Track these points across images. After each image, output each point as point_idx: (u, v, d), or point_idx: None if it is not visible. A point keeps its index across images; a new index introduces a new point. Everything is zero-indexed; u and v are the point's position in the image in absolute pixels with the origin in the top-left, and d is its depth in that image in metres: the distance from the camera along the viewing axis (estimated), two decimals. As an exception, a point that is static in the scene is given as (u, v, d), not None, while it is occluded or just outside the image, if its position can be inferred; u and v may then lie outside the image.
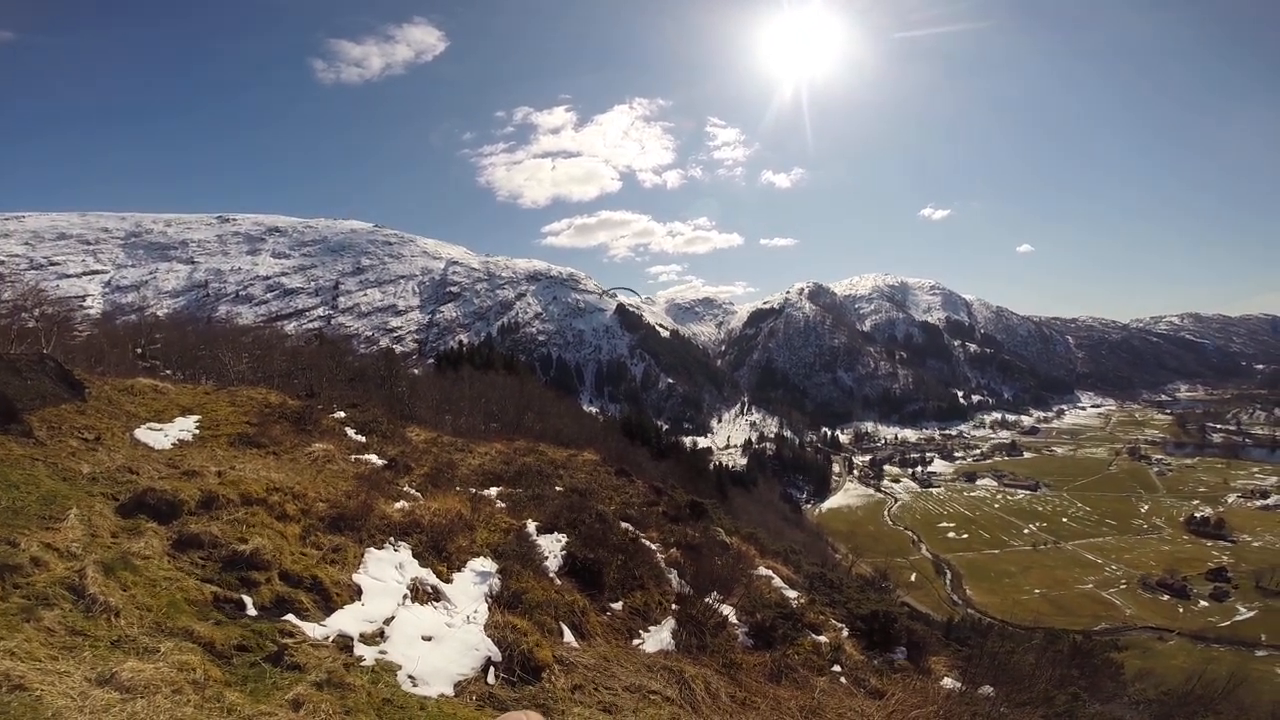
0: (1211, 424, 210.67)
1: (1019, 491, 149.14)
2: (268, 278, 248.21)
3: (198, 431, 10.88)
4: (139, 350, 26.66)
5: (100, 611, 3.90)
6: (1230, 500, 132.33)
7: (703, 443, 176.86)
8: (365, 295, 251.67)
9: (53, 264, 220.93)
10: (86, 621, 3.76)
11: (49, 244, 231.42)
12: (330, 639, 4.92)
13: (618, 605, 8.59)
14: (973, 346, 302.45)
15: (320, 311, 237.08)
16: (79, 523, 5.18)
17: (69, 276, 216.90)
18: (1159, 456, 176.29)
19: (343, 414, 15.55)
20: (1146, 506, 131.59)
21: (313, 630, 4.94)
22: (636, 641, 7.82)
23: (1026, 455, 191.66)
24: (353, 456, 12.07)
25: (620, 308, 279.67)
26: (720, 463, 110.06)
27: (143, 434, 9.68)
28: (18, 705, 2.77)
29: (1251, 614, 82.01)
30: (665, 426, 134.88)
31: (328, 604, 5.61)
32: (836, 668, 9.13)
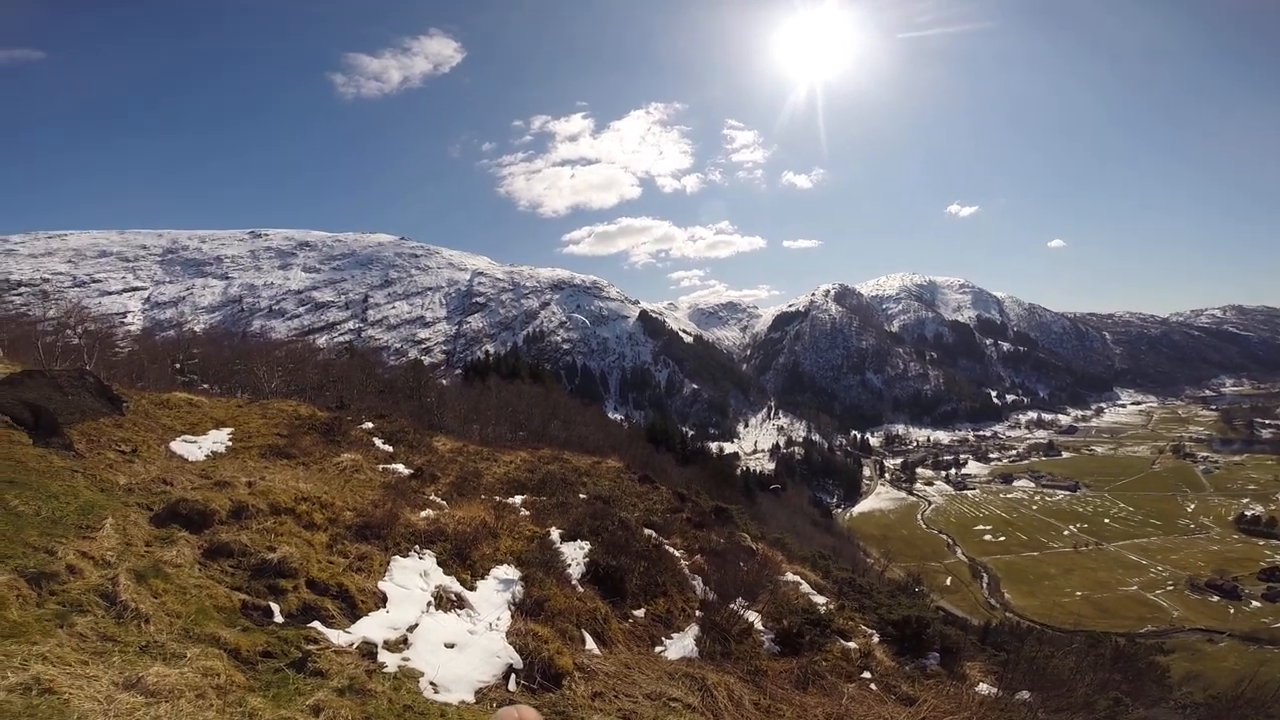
0: (1260, 419, 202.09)
1: (1058, 492, 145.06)
2: (299, 292, 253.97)
3: (230, 443, 11.18)
4: (177, 365, 27.47)
5: (131, 618, 4.02)
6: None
7: (729, 448, 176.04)
8: (394, 308, 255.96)
9: (95, 281, 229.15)
10: (117, 627, 3.88)
11: (90, 261, 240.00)
12: (354, 646, 4.99)
13: (640, 612, 8.57)
14: (1005, 345, 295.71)
15: (351, 324, 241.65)
16: (114, 532, 5.35)
17: (110, 293, 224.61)
18: (1205, 454, 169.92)
19: (371, 425, 15.82)
20: (1193, 505, 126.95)
21: (337, 637, 5.02)
22: (659, 649, 7.79)
23: (1065, 455, 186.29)
24: (380, 466, 12.28)
25: (643, 314, 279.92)
26: (747, 468, 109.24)
27: (177, 446, 9.98)
28: (46, 708, 2.86)
29: (1307, 615, 78.57)
30: (690, 432, 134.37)
31: (353, 611, 5.70)
32: (866, 674, 8.96)
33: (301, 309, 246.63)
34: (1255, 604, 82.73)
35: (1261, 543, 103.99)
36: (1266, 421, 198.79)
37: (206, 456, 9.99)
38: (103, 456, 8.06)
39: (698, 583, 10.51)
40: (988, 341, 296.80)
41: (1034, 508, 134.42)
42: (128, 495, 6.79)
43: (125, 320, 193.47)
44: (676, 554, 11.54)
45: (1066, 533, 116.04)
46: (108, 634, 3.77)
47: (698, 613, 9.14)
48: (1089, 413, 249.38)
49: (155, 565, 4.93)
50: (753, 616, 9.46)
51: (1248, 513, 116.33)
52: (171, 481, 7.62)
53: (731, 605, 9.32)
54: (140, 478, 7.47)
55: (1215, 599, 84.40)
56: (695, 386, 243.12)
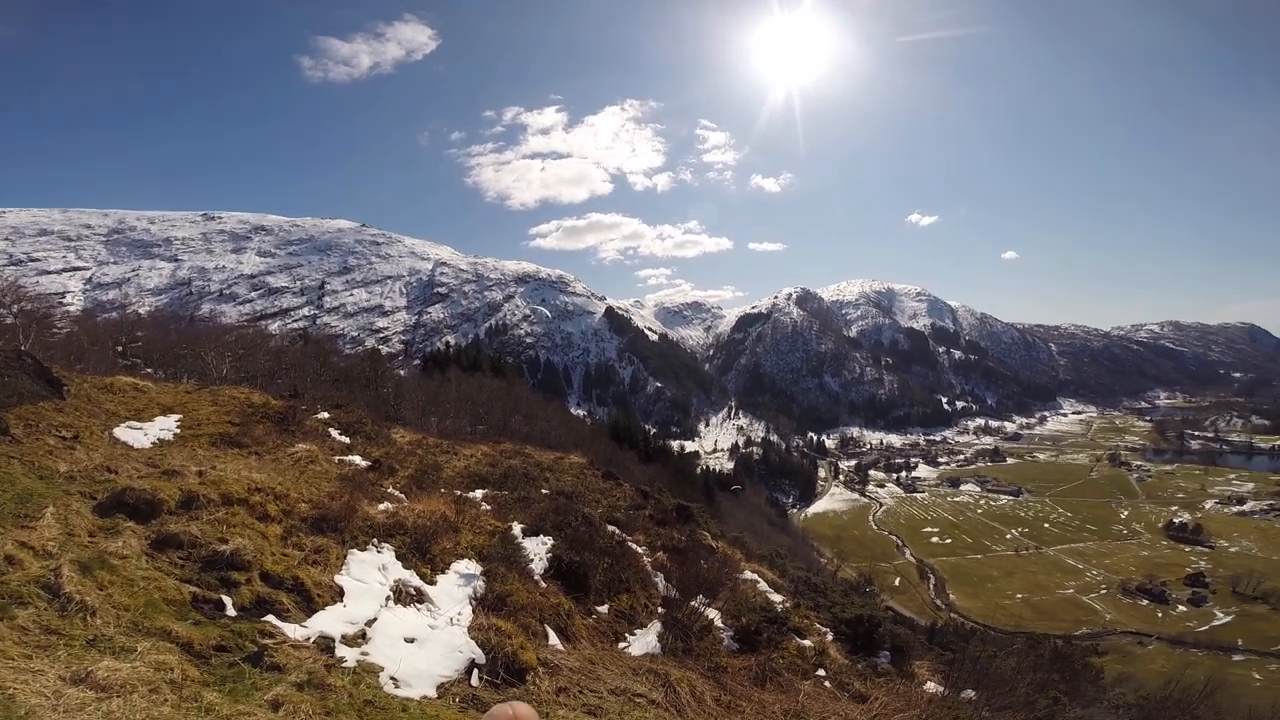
0: (1190, 431, 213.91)
1: (1002, 497, 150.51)
2: (252, 276, 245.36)
3: (178, 431, 10.75)
4: (120, 348, 26.27)
5: (76, 610, 3.83)
6: (1208, 506, 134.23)
7: (690, 447, 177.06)
8: (352, 295, 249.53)
9: (33, 260, 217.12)
10: (61, 620, 3.70)
11: (29, 240, 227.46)
12: (311, 640, 4.87)
13: (603, 608, 8.58)
14: (957, 353, 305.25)
15: (306, 311, 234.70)
16: (55, 521, 5.10)
17: (49, 273, 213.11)
18: (1139, 463, 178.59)
19: (327, 415, 15.41)
20: (1126, 512, 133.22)
21: (294, 631, 4.89)
22: (622, 644, 7.81)
23: (1009, 461, 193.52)
24: (336, 458, 11.98)
25: (609, 311, 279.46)
26: (708, 467, 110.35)
27: (122, 433, 9.56)
28: None
29: (1229, 619, 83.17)
30: (653, 430, 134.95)
31: (309, 605, 5.56)
32: (821, 671, 9.15)
33: (254, 294, 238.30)
34: (1181, 608, 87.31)
35: (1188, 549, 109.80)
36: (1196, 433, 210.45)
37: (153, 444, 9.59)
38: (41, 442, 7.66)
39: (660, 579, 10.56)
40: (941, 349, 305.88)
41: (979, 511, 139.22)
42: (69, 483, 6.48)
43: (64, 300, 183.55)
44: (639, 550, 11.57)
45: (1009, 536, 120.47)
46: (51, 627, 3.60)
47: (660, 609, 9.19)
48: (1033, 420, 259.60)
49: (100, 556, 4.72)
50: (713, 614, 9.55)
51: (1176, 520, 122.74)
52: (116, 469, 7.31)
53: (693, 602, 9.37)
54: (83, 465, 7.14)
55: (1145, 603, 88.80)
56: (659, 385, 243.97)
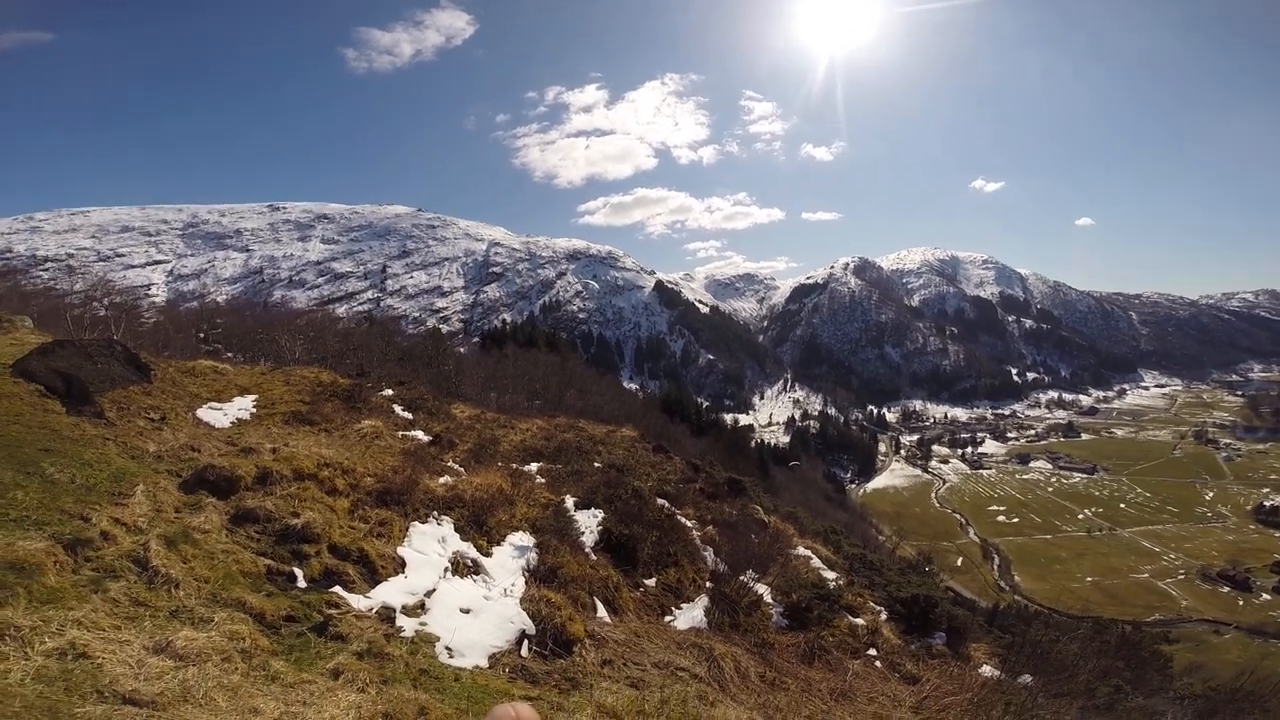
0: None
1: (1075, 475, 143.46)
2: (319, 263, 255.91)
3: (255, 410, 11.41)
4: (201, 335, 27.91)
5: (161, 583, 4.19)
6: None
7: (744, 420, 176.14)
8: (411, 278, 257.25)
9: (118, 255, 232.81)
10: (149, 592, 4.06)
11: (114, 236, 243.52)
12: (373, 610, 5.17)
13: (651, 581, 8.73)
14: (1028, 322, 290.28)
15: (369, 294, 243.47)
16: (145, 498, 5.53)
17: (134, 267, 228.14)
18: (1227, 441, 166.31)
19: (391, 392, 16.04)
20: (1211, 493, 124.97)
21: (357, 602, 5.20)
22: (669, 618, 7.95)
23: (1084, 437, 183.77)
24: (400, 433, 12.49)
25: (659, 284, 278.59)
26: (762, 440, 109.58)
27: (204, 413, 10.21)
28: (79, 673, 3.03)
29: (1318, 608, 77.42)
30: (705, 403, 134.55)
31: (373, 576, 5.88)
32: (872, 651, 9.10)
33: (321, 279, 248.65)
34: (1265, 596, 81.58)
35: (1278, 534, 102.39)
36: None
37: (232, 423, 10.22)
38: (133, 424, 8.27)
39: (709, 553, 10.64)
40: (1010, 318, 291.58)
41: (1049, 490, 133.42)
42: (157, 462, 6.98)
43: (149, 292, 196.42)
44: (689, 524, 11.67)
45: (1081, 516, 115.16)
46: (140, 599, 3.94)
47: (708, 584, 9.29)
48: (1111, 394, 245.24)
49: (184, 531, 5.12)
50: (762, 589, 9.59)
51: (1267, 503, 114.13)
52: (199, 448, 7.83)
53: (741, 577, 9.43)
54: (169, 445, 7.67)
55: (1225, 589, 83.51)
56: (711, 357, 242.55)
